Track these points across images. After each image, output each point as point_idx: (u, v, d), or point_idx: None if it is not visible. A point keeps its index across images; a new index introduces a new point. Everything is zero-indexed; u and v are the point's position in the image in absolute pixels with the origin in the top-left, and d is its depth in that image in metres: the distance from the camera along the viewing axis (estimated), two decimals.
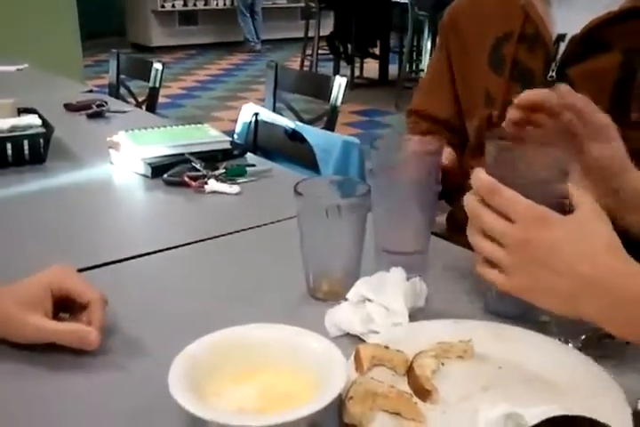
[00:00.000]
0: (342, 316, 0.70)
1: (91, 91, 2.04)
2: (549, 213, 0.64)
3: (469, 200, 0.67)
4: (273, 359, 0.59)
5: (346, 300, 0.73)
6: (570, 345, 0.66)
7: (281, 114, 1.97)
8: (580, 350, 0.65)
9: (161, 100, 2.75)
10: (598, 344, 0.66)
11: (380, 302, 0.71)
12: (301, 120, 2.00)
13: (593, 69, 0.92)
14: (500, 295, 0.71)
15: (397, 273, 0.75)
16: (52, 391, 0.63)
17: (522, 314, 0.71)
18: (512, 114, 0.76)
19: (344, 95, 1.88)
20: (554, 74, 0.94)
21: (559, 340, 0.66)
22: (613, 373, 0.60)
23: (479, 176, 0.67)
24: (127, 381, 0.64)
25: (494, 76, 1.01)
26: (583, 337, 0.67)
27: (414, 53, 5.76)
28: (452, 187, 0.92)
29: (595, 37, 0.91)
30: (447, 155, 0.88)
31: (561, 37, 0.94)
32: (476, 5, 1.07)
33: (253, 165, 1.25)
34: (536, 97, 0.75)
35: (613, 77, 0.90)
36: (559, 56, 0.94)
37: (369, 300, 0.72)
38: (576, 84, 0.91)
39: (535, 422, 0.47)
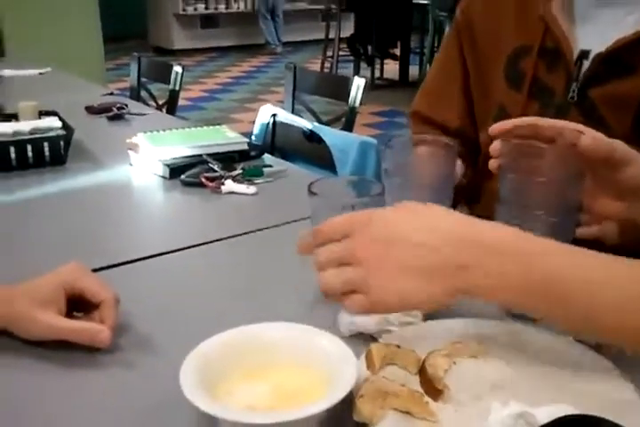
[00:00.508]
0: (356, 315, 0.70)
1: (111, 93, 2.06)
2: (365, 212, 0.62)
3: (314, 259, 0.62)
4: (284, 358, 0.59)
5: None
6: (583, 344, 0.65)
7: (300, 115, 1.97)
8: (593, 349, 0.64)
9: (182, 102, 2.78)
10: (612, 344, 0.66)
11: None
12: (320, 121, 2.00)
13: (616, 92, 0.87)
14: None
15: None
16: (63, 388, 0.64)
17: None
18: (493, 147, 0.72)
19: (363, 96, 1.88)
20: (575, 94, 0.90)
21: (573, 339, 0.66)
22: (628, 372, 0.60)
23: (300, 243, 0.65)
24: (139, 379, 0.65)
25: (511, 91, 0.96)
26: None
27: (435, 54, 5.75)
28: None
29: (620, 58, 0.86)
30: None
31: (584, 54, 0.89)
32: (491, 7, 1.00)
33: (270, 166, 1.25)
34: (506, 125, 0.73)
35: (637, 102, 0.85)
36: (581, 75, 0.89)
37: None
38: (597, 107, 0.89)
39: (546, 421, 0.47)
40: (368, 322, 0.70)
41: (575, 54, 0.90)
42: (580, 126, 0.71)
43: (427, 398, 0.58)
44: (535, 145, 0.71)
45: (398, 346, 0.63)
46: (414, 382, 0.61)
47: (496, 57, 0.98)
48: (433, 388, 0.59)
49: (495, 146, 0.72)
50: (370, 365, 0.62)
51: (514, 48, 0.96)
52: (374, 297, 0.59)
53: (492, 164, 0.73)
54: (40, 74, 2.35)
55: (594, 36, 0.88)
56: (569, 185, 0.69)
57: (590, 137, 0.67)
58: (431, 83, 1.12)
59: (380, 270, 0.58)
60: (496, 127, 0.73)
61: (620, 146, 0.70)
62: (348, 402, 0.56)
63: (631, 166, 0.70)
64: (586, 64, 0.89)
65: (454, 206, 0.87)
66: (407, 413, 0.56)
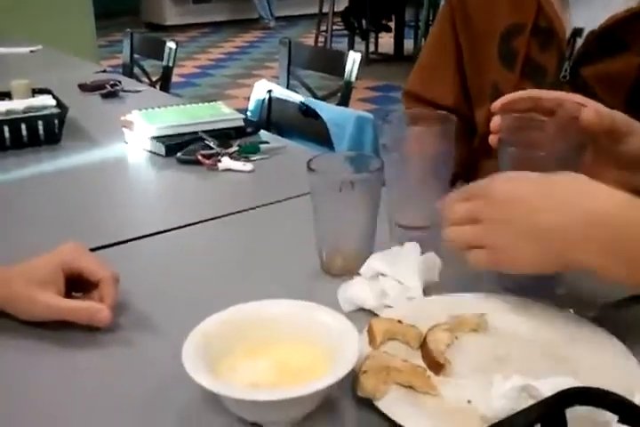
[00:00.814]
0: (356, 290, 0.70)
1: (104, 71, 2.03)
2: (516, 172, 0.64)
3: (442, 206, 0.67)
4: (286, 334, 0.59)
5: (359, 275, 0.73)
6: (584, 317, 0.65)
7: (295, 91, 1.96)
8: (594, 321, 0.65)
9: (175, 79, 2.75)
10: (614, 315, 0.66)
11: (394, 277, 0.71)
12: (315, 96, 1.99)
13: (609, 70, 0.86)
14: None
15: (411, 248, 0.75)
16: (63, 368, 0.64)
17: (536, 286, 0.70)
18: (493, 123, 0.72)
19: (358, 71, 1.86)
20: (567, 73, 0.89)
21: (573, 312, 0.66)
22: (628, 344, 0.60)
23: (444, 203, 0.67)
24: (139, 358, 0.65)
25: (504, 70, 0.95)
26: (598, 309, 0.67)
27: (430, 28, 5.69)
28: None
29: (613, 36, 0.85)
30: None
31: (577, 32, 0.88)
32: None
33: (267, 143, 1.24)
34: (507, 100, 0.73)
35: (630, 80, 0.85)
36: (574, 54, 0.88)
37: (382, 275, 0.72)
38: (589, 86, 0.87)
39: (549, 394, 0.47)
40: (368, 297, 0.70)
41: (568, 33, 0.89)
42: (581, 98, 0.70)
43: (429, 373, 0.58)
44: (535, 118, 0.70)
45: (400, 321, 0.63)
46: (416, 357, 0.61)
47: (490, 34, 0.97)
48: (435, 362, 0.59)
49: (495, 121, 0.72)
50: (371, 340, 0.62)
51: (507, 26, 0.95)
52: (499, 255, 0.62)
53: (492, 139, 0.72)
54: (31, 52, 2.32)
55: (586, 14, 0.87)
56: (569, 158, 0.68)
57: (592, 109, 0.66)
58: (424, 59, 1.11)
59: (505, 231, 0.62)
60: (497, 103, 0.73)
61: (620, 116, 0.69)
62: (351, 377, 0.56)
63: (633, 137, 0.69)
64: (579, 42, 0.88)
65: (453, 183, 0.87)
66: (410, 387, 0.56)
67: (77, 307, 0.68)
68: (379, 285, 0.71)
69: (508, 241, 0.62)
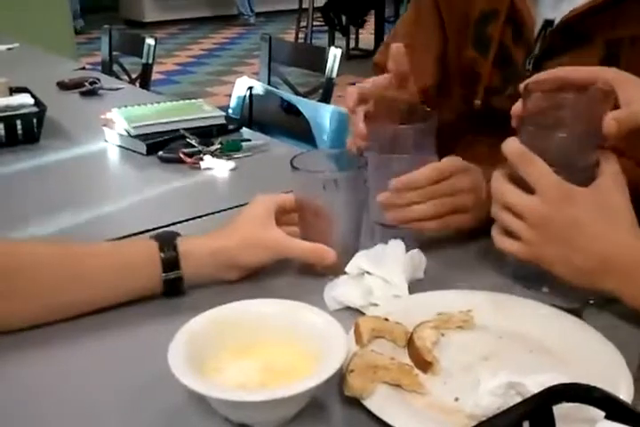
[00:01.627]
0: (342, 289, 0.70)
1: (83, 68, 2.01)
2: (574, 191, 0.65)
3: (494, 178, 0.69)
4: (273, 334, 0.59)
5: (345, 273, 0.73)
6: (570, 313, 0.65)
7: (276, 87, 1.95)
8: (580, 317, 0.65)
9: (155, 76, 2.73)
10: (599, 311, 0.66)
11: (380, 275, 0.71)
12: (297, 93, 1.98)
13: (572, 64, 0.82)
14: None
15: (396, 246, 0.75)
16: (48, 368, 0.63)
17: (541, 278, 0.71)
18: (515, 108, 0.71)
19: (339, 67, 1.86)
20: (530, 66, 0.88)
21: (560, 308, 0.66)
22: (614, 339, 0.60)
23: (512, 144, 0.67)
24: (126, 358, 0.64)
25: (478, 56, 0.94)
26: (584, 304, 0.67)
27: None
28: None
29: (574, 29, 0.84)
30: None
31: (549, 24, 0.87)
32: None
33: (249, 140, 1.24)
34: (536, 78, 0.70)
35: None
36: (537, 47, 0.87)
37: (368, 273, 0.72)
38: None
39: (537, 390, 0.47)
40: (354, 296, 0.70)
41: (540, 24, 0.87)
42: (615, 72, 0.67)
43: (416, 371, 0.58)
44: (561, 96, 0.68)
45: (386, 319, 0.63)
46: (403, 355, 0.61)
47: (467, 19, 0.95)
48: (422, 360, 0.59)
49: (517, 105, 0.71)
50: (358, 338, 0.61)
51: (482, 10, 0.93)
52: (535, 253, 0.67)
53: (513, 122, 0.71)
54: (8, 49, 2.29)
55: (557, 6, 0.86)
56: (589, 141, 0.68)
57: (610, 120, 0.64)
58: (403, 34, 1.06)
59: (547, 248, 0.66)
60: (526, 83, 0.70)
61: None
62: (339, 377, 0.56)
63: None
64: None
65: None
66: (397, 386, 0.56)
67: (309, 247, 0.74)
68: (364, 283, 0.71)
69: (552, 252, 0.66)
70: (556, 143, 0.67)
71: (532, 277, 0.71)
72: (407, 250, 0.74)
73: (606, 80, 0.66)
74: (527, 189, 0.67)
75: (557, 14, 0.86)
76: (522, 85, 0.70)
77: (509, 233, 0.69)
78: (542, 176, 0.66)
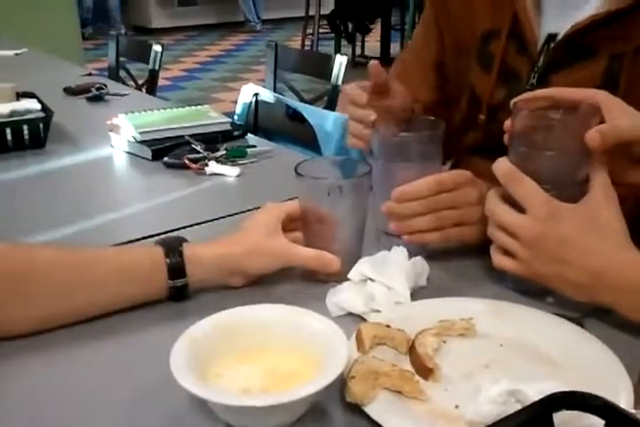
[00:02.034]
0: (344, 295, 0.70)
1: (90, 74, 2.02)
2: (562, 208, 0.66)
3: (488, 198, 0.71)
4: (275, 339, 0.59)
5: (348, 280, 0.73)
6: (571, 321, 0.66)
7: (282, 94, 1.95)
8: (581, 326, 0.65)
9: (162, 82, 2.74)
10: (601, 320, 0.67)
11: (382, 282, 0.71)
12: (302, 100, 1.99)
13: (576, 77, 0.85)
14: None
15: (399, 253, 0.75)
16: (49, 370, 0.64)
17: (537, 290, 0.71)
18: (506, 124, 0.72)
19: (345, 74, 1.87)
20: (534, 80, 0.88)
21: (561, 317, 0.66)
22: (615, 348, 0.60)
23: (501, 164, 0.69)
24: (128, 362, 0.65)
25: (481, 73, 0.95)
26: (584, 312, 0.67)
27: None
28: None
29: (578, 43, 0.84)
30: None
31: (552, 38, 0.87)
32: None
33: (254, 146, 1.24)
34: (526, 97, 0.71)
35: (595, 87, 0.81)
36: (541, 61, 0.87)
37: (371, 279, 0.72)
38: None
39: (537, 398, 0.47)
40: (356, 302, 0.70)
41: (543, 38, 0.88)
42: (605, 95, 0.68)
43: (417, 378, 0.58)
44: (547, 115, 0.69)
45: (388, 326, 0.63)
46: (404, 362, 0.61)
47: (471, 38, 0.96)
48: (423, 367, 0.59)
49: (507, 122, 0.72)
50: (360, 345, 0.62)
51: (484, 30, 0.94)
52: (529, 270, 0.69)
53: (505, 138, 0.72)
54: (16, 55, 2.30)
55: (560, 20, 0.86)
56: (579, 158, 0.68)
57: (594, 133, 0.65)
58: (406, 55, 1.11)
59: (541, 265, 0.68)
60: (516, 100, 0.72)
61: (627, 126, 0.66)
62: (340, 383, 0.56)
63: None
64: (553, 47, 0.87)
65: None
66: (398, 392, 0.56)
67: (313, 254, 0.74)
68: (367, 289, 0.71)
69: (547, 269, 0.67)
70: (546, 162, 0.68)
71: (533, 291, 0.71)
72: (410, 257, 0.75)
73: (595, 102, 0.67)
74: (520, 208, 0.68)
75: (561, 28, 0.86)
76: (511, 103, 0.71)
77: (507, 252, 0.70)
78: (531, 195, 0.67)
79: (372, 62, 0.85)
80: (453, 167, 0.96)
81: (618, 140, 0.66)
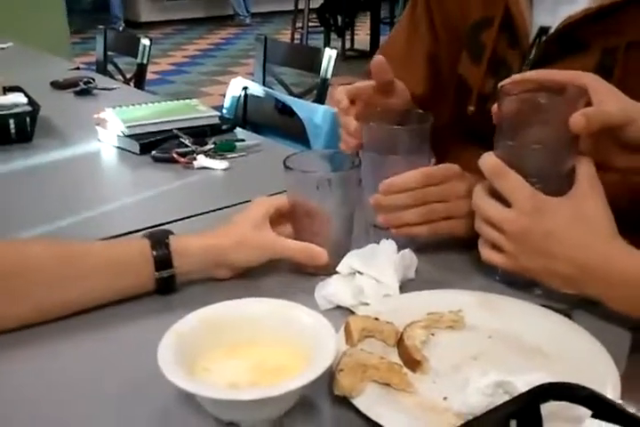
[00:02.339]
0: (332, 288, 0.70)
1: (77, 68, 2.01)
2: (548, 202, 0.66)
3: (475, 192, 0.71)
4: (263, 333, 0.59)
5: (336, 273, 0.73)
6: (558, 313, 0.66)
7: (271, 88, 1.95)
8: (569, 317, 0.65)
9: (150, 76, 2.72)
10: (588, 311, 0.67)
11: (371, 275, 0.71)
12: (291, 94, 1.98)
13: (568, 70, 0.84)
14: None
15: (388, 245, 0.75)
16: (39, 363, 0.63)
17: (525, 282, 0.71)
18: (493, 110, 0.71)
19: (334, 68, 1.86)
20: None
21: (549, 308, 0.67)
22: (603, 339, 0.61)
23: (487, 159, 0.69)
24: (116, 356, 0.64)
25: (471, 65, 0.94)
26: (572, 304, 0.67)
27: None
28: None
29: (570, 36, 0.83)
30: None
31: (544, 31, 0.86)
32: None
33: (242, 140, 1.24)
34: (513, 79, 0.71)
35: None
36: (532, 54, 0.86)
37: (359, 272, 0.72)
38: None
39: (524, 389, 0.47)
40: (345, 295, 0.70)
41: (535, 30, 0.87)
42: (593, 77, 0.67)
43: (405, 370, 0.58)
44: (534, 98, 0.68)
45: (376, 318, 0.63)
46: (393, 354, 0.61)
47: (462, 27, 0.95)
48: (411, 359, 0.59)
49: (495, 107, 0.71)
50: (348, 337, 0.62)
51: (476, 19, 0.93)
52: (516, 264, 0.69)
53: (494, 119, 0.71)
54: (1, 49, 2.29)
55: (552, 12, 0.85)
56: (564, 150, 0.68)
57: (578, 116, 0.64)
58: (396, 42, 1.07)
59: (528, 259, 0.68)
60: (503, 83, 0.71)
61: (615, 109, 0.66)
62: (328, 376, 0.56)
63: (633, 125, 0.66)
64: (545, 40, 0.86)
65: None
66: (387, 385, 0.56)
67: (300, 247, 0.75)
68: (355, 282, 0.71)
69: (534, 262, 0.67)
70: (531, 155, 0.68)
71: (521, 283, 0.72)
72: (399, 250, 0.75)
73: (582, 84, 0.67)
74: (506, 202, 0.68)
75: (553, 21, 0.85)
76: (499, 86, 0.71)
77: (494, 245, 0.70)
78: (516, 189, 0.67)
79: (377, 58, 0.83)
80: (442, 160, 0.95)
81: (604, 124, 0.65)
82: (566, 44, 0.84)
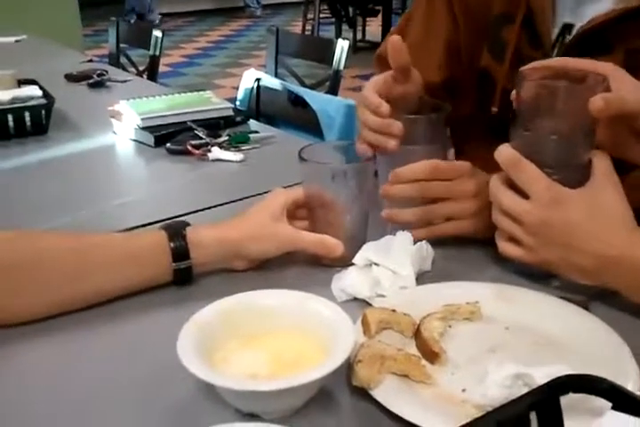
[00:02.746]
0: (349, 280, 0.70)
1: (90, 60, 2.01)
2: (565, 193, 0.66)
3: (492, 183, 0.70)
4: (282, 325, 0.59)
5: (352, 265, 0.73)
6: (576, 304, 0.66)
7: (283, 79, 1.94)
8: (587, 309, 0.65)
9: (162, 68, 2.72)
10: (606, 303, 0.67)
11: (387, 266, 0.71)
12: (304, 85, 1.98)
13: None
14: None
15: (404, 237, 0.75)
16: (59, 357, 0.64)
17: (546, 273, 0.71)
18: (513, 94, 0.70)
19: (347, 59, 1.86)
20: None
21: (567, 300, 0.66)
22: (621, 331, 0.60)
23: (503, 151, 0.68)
24: (136, 348, 0.65)
25: (493, 62, 0.92)
26: (590, 295, 0.67)
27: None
28: None
29: (595, 37, 0.81)
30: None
31: (567, 28, 0.84)
32: None
33: (256, 132, 1.24)
34: (533, 65, 0.70)
35: None
36: (554, 54, 0.84)
37: (376, 264, 0.72)
38: None
39: (543, 381, 0.47)
40: (361, 287, 0.70)
41: (555, 31, 0.85)
42: (612, 67, 0.67)
43: (423, 362, 0.58)
44: (553, 84, 0.68)
45: (393, 310, 0.63)
46: (411, 346, 0.61)
47: (484, 18, 0.93)
48: (429, 351, 0.59)
49: (513, 93, 0.70)
50: (366, 329, 0.62)
51: (497, 14, 0.91)
52: (535, 257, 0.68)
53: (514, 104, 0.70)
54: (16, 42, 2.29)
55: (575, 9, 0.83)
56: (582, 139, 0.67)
57: (598, 98, 0.64)
58: (408, 32, 1.02)
59: (547, 251, 0.67)
60: (524, 68, 0.70)
61: (633, 97, 0.65)
62: (346, 367, 0.56)
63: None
64: (569, 39, 0.84)
65: None
66: (405, 376, 0.56)
67: (316, 239, 0.75)
68: (372, 274, 0.71)
69: (553, 254, 0.67)
70: (548, 145, 0.67)
71: (538, 275, 0.71)
72: (415, 241, 0.75)
73: (603, 72, 0.66)
74: (524, 193, 0.67)
75: (577, 19, 0.83)
76: (519, 70, 0.70)
77: (512, 238, 0.69)
78: (534, 181, 0.66)
79: (394, 38, 0.79)
80: (461, 152, 0.94)
81: (621, 110, 0.65)
82: (589, 44, 0.82)
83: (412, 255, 0.72)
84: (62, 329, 0.67)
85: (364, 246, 0.74)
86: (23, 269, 0.66)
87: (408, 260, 0.72)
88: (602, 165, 0.67)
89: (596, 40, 0.82)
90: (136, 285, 0.71)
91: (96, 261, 0.69)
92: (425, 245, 0.75)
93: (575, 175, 0.67)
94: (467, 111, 0.98)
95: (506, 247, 0.71)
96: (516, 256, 0.70)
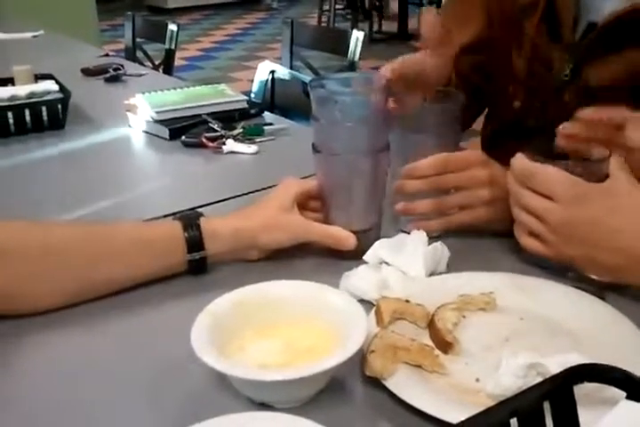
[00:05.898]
0: (356, 282, 0.68)
1: (107, 55, 2.02)
2: (588, 189, 0.65)
3: (510, 180, 0.69)
4: (295, 315, 0.60)
5: (364, 262, 0.71)
6: (591, 294, 0.65)
7: (298, 71, 1.94)
8: (603, 299, 0.64)
9: (178, 62, 2.73)
10: (622, 293, 0.66)
11: (398, 267, 0.70)
12: None
13: (613, 70, 0.81)
14: None
15: (418, 236, 0.74)
16: (76, 344, 0.65)
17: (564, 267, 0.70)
18: (569, 128, 0.69)
19: (362, 50, 1.85)
20: (568, 72, 0.84)
21: (582, 290, 0.66)
22: (636, 321, 0.60)
23: (517, 162, 0.68)
24: (149, 338, 0.65)
25: (515, 53, 0.90)
26: (604, 285, 0.67)
27: (435, 5, 5.62)
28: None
29: (616, 33, 0.79)
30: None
31: (591, 27, 0.82)
32: None
33: (271, 124, 1.24)
34: (600, 115, 0.68)
35: (633, 81, 0.79)
36: (577, 51, 0.83)
37: (387, 263, 0.71)
38: (590, 87, 0.83)
39: (557, 371, 0.47)
40: (368, 289, 0.67)
41: (583, 26, 0.83)
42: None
43: (437, 352, 0.58)
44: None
45: (407, 300, 0.63)
46: (424, 336, 0.61)
47: (512, 6, 0.91)
48: (443, 341, 0.59)
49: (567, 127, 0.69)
50: (379, 320, 0.62)
51: (523, 4, 0.89)
52: (557, 253, 0.67)
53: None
54: (33, 37, 2.31)
55: (597, 8, 0.82)
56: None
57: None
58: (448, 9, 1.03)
59: (570, 249, 0.66)
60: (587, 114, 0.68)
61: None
62: (359, 357, 0.56)
63: None
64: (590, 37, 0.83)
65: None
66: (418, 366, 0.56)
67: (328, 231, 0.75)
68: (381, 275, 0.69)
69: (576, 252, 0.66)
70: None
71: (555, 267, 0.71)
72: (430, 242, 0.73)
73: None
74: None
75: (597, 16, 0.82)
76: (583, 114, 0.68)
77: (532, 233, 0.68)
78: (554, 182, 0.65)
79: (427, 9, 0.78)
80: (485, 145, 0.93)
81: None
82: (610, 40, 0.81)
83: (425, 256, 0.71)
84: (76, 320, 0.67)
85: (377, 243, 0.72)
86: (32, 258, 0.66)
87: (420, 261, 0.70)
88: (618, 163, 0.65)
89: (616, 37, 0.80)
90: (150, 274, 0.71)
91: (109, 249, 0.69)
92: (440, 247, 0.73)
93: (596, 168, 0.66)
94: (501, 78, 0.94)
95: (528, 242, 0.69)
96: (539, 252, 0.69)
